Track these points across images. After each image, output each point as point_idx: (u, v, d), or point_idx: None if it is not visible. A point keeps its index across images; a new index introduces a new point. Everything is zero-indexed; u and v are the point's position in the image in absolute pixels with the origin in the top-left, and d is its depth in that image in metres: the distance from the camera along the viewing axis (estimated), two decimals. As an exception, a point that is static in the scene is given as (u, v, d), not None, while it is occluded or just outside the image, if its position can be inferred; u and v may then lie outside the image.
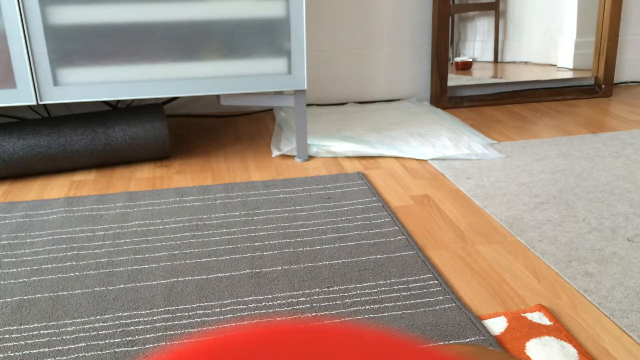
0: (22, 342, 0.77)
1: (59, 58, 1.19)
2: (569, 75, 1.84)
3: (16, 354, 0.75)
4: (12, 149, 1.25)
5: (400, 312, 0.81)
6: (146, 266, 0.94)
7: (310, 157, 1.39)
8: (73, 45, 1.19)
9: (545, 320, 0.78)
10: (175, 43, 1.22)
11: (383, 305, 0.82)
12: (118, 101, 1.58)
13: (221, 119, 1.70)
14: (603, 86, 1.83)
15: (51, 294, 0.87)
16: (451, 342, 0.75)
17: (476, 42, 1.77)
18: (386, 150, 1.39)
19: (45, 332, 0.79)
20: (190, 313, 0.82)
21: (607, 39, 1.80)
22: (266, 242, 1.00)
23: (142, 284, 0.89)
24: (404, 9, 1.75)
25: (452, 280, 0.89)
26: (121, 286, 0.88)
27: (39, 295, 0.87)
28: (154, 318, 0.81)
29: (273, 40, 1.25)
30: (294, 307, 0.83)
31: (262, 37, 1.25)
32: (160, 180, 1.28)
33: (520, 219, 1.06)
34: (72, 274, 0.92)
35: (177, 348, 0.21)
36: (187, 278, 0.90)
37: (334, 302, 0.83)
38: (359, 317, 0.80)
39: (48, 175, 1.32)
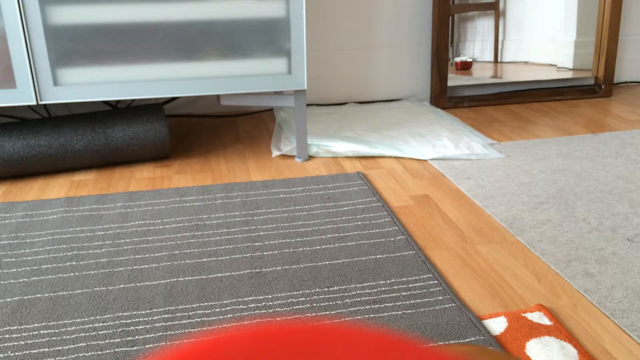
0: (22, 342, 0.77)
1: (59, 58, 1.19)
2: (569, 75, 1.84)
3: (16, 354, 0.75)
4: (12, 149, 1.25)
5: (400, 312, 0.81)
6: (146, 266, 0.94)
7: (310, 157, 1.39)
8: (73, 45, 1.19)
9: (545, 320, 0.78)
10: (175, 43, 1.22)
11: (383, 305, 0.82)
12: (118, 101, 1.59)
13: (221, 119, 1.70)
14: (603, 86, 1.83)
15: (51, 294, 0.87)
16: (451, 342, 0.75)
17: (476, 42, 1.77)
18: (386, 150, 1.39)
19: (45, 332, 0.79)
20: (190, 313, 0.82)
21: (607, 39, 1.80)
22: (266, 242, 1.00)
23: (142, 284, 0.89)
24: (404, 9, 1.75)
25: (452, 280, 0.89)
26: (121, 286, 0.88)
27: (39, 295, 0.87)
28: (154, 318, 0.81)
29: (273, 40, 1.25)
30: (294, 307, 0.83)
31: (262, 37, 1.25)
32: (160, 180, 1.28)
33: (520, 219, 1.06)
34: (72, 274, 0.92)
35: (177, 348, 0.21)
36: (187, 278, 0.90)
37: (334, 302, 0.83)
38: (359, 317, 0.80)
39: (48, 175, 1.32)
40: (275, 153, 1.40)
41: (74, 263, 0.95)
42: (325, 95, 1.79)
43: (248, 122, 1.68)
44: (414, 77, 1.81)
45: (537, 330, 0.76)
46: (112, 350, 0.75)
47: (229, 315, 0.81)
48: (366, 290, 0.86)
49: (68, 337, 0.78)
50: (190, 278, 0.90)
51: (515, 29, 1.78)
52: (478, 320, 0.78)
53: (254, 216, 1.09)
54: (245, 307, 0.83)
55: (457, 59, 1.78)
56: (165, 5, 1.20)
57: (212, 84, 1.26)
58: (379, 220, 1.06)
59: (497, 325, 0.78)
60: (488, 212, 1.10)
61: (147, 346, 0.76)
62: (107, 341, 0.77)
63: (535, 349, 0.73)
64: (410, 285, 0.87)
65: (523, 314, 0.79)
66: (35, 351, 0.75)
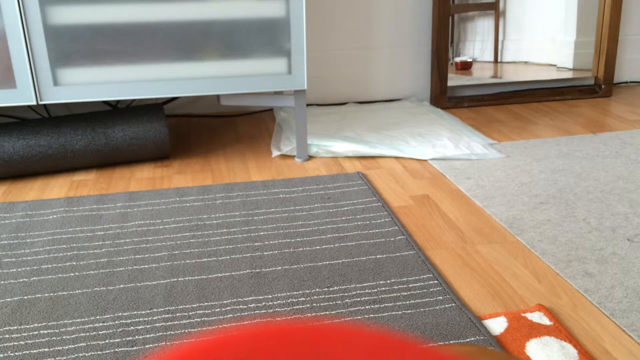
0: (22, 342, 0.77)
1: (59, 58, 1.19)
2: (569, 75, 1.84)
3: (16, 354, 0.75)
4: (12, 149, 1.25)
5: (400, 312, 0.81)
6: (146, 266, 0.94)
7: (310, 157, 1.39)
8: (73, 45, 1.19)
9: (545, 320, 0.78)
10: (175, 43, 1.22)
11: (383, 305, 0.82)
12: (118, 101, 1.58)
13: (221, 119, 1.70)
14: (603, 86, 1.83)
15: (51, 294, 0.87)
16: (451, 342, 0.75)
17: (476, 42, 1.77)
18: (386, 150, 1.39)
19: (45, 332, 0.79)
20: (190, 313, 0.82)
21: (607, 39, 1.80)
22: (266, 242, 1.00)
23: (142, 284, 0.89)
24: (404, 9, 1.75)
25: (452, 280, 0.89)
26: (121, 286, 0.88)
27: (39, 295, 0.87)
28: (154, 318, 0.81)
29: (273, 40, 1.25)
30: (294, 307, 0.83)
31: (262, 37, 1.25)
32: (160, 180, 1.28)
33: (520, 219, 1.06)
34: (72, 274, 0.92)
35: (177, 348, 0.21)
36: (187, 278, 0.90)
37: (334, 302, 0.83)
38: (359, 317, 0.80)
39: (48, 175, 1.32)
40: (275, 153, 1.40)
41: (74, 263, 0.95)
42: (325, 95, 1.79)
43: (248, 122, 1.68)
44: (414, 77, 1.81)
45: (537, 330, 0.76)
46: (112, 350, 0.75)
47: (229, 315, 0.81)
48: (366, 290, 0.86)
49: (68, 337, 0.78)
50: (190, 278, 0.90)
51: (515, 29, 1.78)
52: (478, 320, 0.78)
53: (254, 216, 1.09)
54: (245, 307, 0.83)
55: (457, 59, 1.78)
56: (165, 5, 1.20)
57: (212, 84, 1.26)
58: (379, 220, 1.06)
59: (497, 325, 0.78)
60: (488, 212, 1.10)
61: (147, 346, 0.76)
62: (107, 341, 0.77)
63: (535, 349, 0.73)
64: (410, 285, 0.87)
65: (523, 314, 0.79)
66: (35, 351, 0.75)
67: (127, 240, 1.02)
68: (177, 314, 0.82)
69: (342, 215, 1.08)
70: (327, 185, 1.21)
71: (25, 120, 1.32)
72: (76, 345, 0.76)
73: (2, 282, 0.90)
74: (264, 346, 0.21)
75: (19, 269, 0.93)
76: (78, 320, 0.81)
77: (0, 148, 1.25)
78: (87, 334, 0.78)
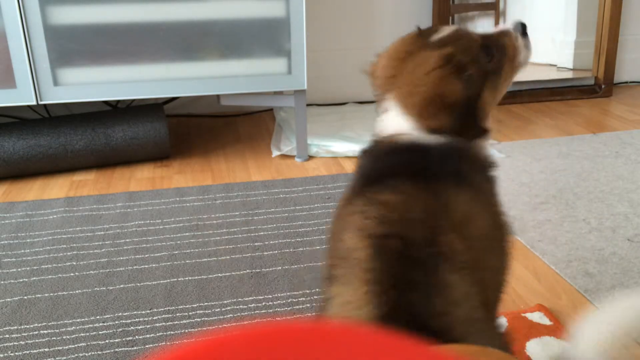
0: (22, 342, 0.77)
1: (59, 58, 1.19)
2: (569, 75, 1.84)
3: (16, 354, 0.75)
4: (12, 149, 1.25)
5: (400, 312, 0.81)
6: (146, 266, 0.94)
7: (310, 157, 1.39)
8: (73, 45, 1.19)
9: (546, 320, 0.78)
10: (175, 43, 1.22)
11: (383, 305, 0.82)
12: (118, 101, 1.59)
13: (221, 119, 1.70)
14: (603, 86, 1.83)
15: (51, 294, 0.87)
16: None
17: (476, 42, 1.77)
18: (386, 150, 1.38)
19: (45, 332, 0.79)
20: (190, 313, 0.82)
21: (607, 39, 1.80)
22: (266, 242, 1.00)
23: (142, 284, 0.89)
24: (404, 9, 1.75)
25: (452, 280, 0.89)
26: (121, 286, 0.88)
27: (39, 295, 0.87)
28: (154, 318, 0.81)
29: (273, 40, 1.25)
30: (294, 307, 0.83)
31: (262, 37, 1.25)
32: (160, 180, 1.28)
33: (520, 219, 1.06)
34: (72, 274, 0.92)
35: (177, 348, 0.21)
36: (187, 278, 0.90)
37: (334, 302, 0.83)
38: (359, 317, 0.80)
39: (48, 175, 1.32)
40: (275, 153, 1.40)
41: (74, 263, 0.95)
42: (325, 95, 1.79)
43: (248, 122, 1.68)
44: (414, 77, 1.81)
45: (537, 330, 0.76)
46: (112, 350, 0.75)
47: (229, 315, 0.81)
48: (366, 290, 0.86)
49: (68, 337, 0.78)
50: (190, 278, 0.90)
51: (515, 29, 1.77)
52: (478, 320, 0.78)
53: (254, 216, 1.09)
54: (245, 307, 0.83)
55: (457, 59, 1.78)
56: (165, 5, 1.20)
57: (212, 84, 1.26)
58: (379, 220, 1.06)
59: (497, 325, 0.77)
60: (488, 212, 1.10)
61: (147, 346, 0.76)
62: (107, 341, 0.77)
63: (535, 348, 0.73)
64: (410, 285, 0.87)
65: (523, 314, 0.79)
66: (35, 351, 0.75)
67: (127, 240, 1.02)
68: (177, 314, 0.82)
69: (342, 215, 1.08)
70: (327, 185, 1.21)
71: (25, 120, 1.32)
72: (76, 345, 0.76)
73: (2, 282, 0.90)
74: (264, 346, 0.21)
75: (19, 269, 0.93)
76: (78, 320, 0.81)
77: (0, 148, 1.25)
78: (87, 334, 0.78)
